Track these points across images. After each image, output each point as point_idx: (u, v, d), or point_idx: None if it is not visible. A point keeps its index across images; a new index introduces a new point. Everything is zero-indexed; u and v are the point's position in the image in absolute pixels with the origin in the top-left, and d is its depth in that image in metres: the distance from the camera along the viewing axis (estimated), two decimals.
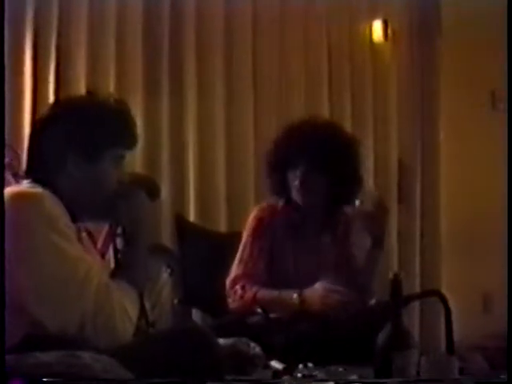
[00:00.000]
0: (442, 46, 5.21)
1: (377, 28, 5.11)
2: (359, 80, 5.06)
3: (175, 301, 3.71)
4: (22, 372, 1.51)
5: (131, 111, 2.23)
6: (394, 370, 2.24)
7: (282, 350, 2.59)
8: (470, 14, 5.12)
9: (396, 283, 2.45)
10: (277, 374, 2.25)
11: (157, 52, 4.58)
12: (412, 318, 4.88)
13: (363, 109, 5.06)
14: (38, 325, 1.83)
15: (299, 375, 2.22)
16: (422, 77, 5.20)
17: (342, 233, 3.20)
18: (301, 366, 2.35)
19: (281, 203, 3.18)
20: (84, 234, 2.18)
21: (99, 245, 2.29)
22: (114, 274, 2.03)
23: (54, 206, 1.97)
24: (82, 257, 1.97)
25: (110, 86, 4.39)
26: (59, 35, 4.34)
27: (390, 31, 5.12)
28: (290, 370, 2.26)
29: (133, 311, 1.99)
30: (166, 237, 4.38)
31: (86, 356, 1.59)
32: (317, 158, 3.04)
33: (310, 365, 2.37)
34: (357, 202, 3.03)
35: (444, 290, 3.97)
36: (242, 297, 3.02)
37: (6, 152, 3.23)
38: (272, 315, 2.90)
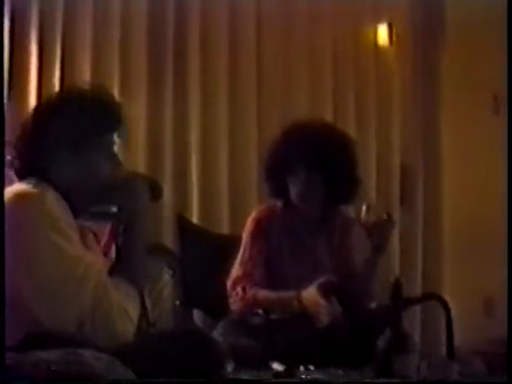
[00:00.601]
0: (445, 49, 5.21)
1: (382, 32, 5.12)
2: (363, 83, 5.07)
3: (176, 301, 3.72)
4: (22, 370, 1.51)
5: (109, 94, 2.25)
6: (394, 373, 2.25)
7: (282, 351, 2.59)
8: (473, 19, 5.13)
9: (397, 287, 2.45)
10: (277, 375, 2.26)
11: (161, 50, 4.58)
12: (413, 321, 4.87)
13: (366, 111, 5.06)
14: (38, 323, 1.84)
15: (300, 377, 2.23)
16: (426, 81, 5.20)
17: (340, 235, 3.20)
18: (301, 367, 2.35)
19: (280, 205, 3.18)
20: (87, 230, 2.18)
21: (102, 244, 2.29)
22: (112, 271, 2.02)
23: (55, 205, 1.97)
24: (82, 256, 1.97)
25: (114, 87, 4.39)
26: (64, 36, 4.35)
27: (394, 35, 5.12)
28: (290, 371, 2.27)
29: (133, 311, 1.99)
30: (168, 238, 4.39)
31: (87, 354, 1.60)
32: (316, 160, 3.05)
33: (310, 367, 2.38)
34: (363, 208, 3.02)
35: (445, 294, 3.98)
36: (242, 298, 3.02)
37: (9, 149, 3.24)
38: (273, 316, 2.90)
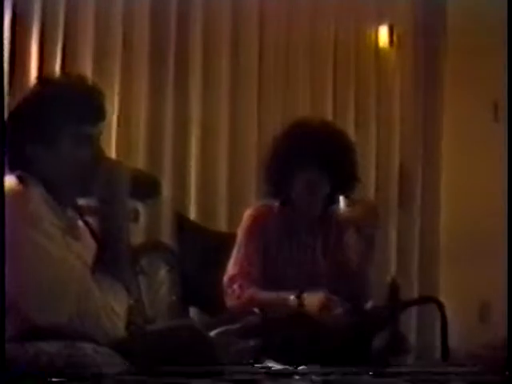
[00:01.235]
0: (446, 52, 5.22)
1: (383, 33, 5.13)
2: (363, 84, 5.08)
3: (173, 298, 3.72)
4: (22, 361, 1.51)
5: (89, 84, 2.20)
6: (390, 374, 2.25)
7: (278, 350, 2.59)
8: (474, 23, 5.13)
9: (394, 288, 2.46)
10: (272, 373, 2.25)
11: (163, 46, 4.59)
12: (408, 323, 4.88)
13: (366, 113, 5.08)
14: (31, 321, 1.84)
15: (295, 376, 2.22)
16: (425, 83, 5.22)
17: (336, 233, 3.20)
18: (297, 367, 2.35)
19: (276, 204, 3.17)
20: (80, 223, 2.16)
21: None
22: (96, 267, 2.01)
23: (38, 203, 1.95)
24: (65, 258, 1.95)
25: (115, 83, 4.40)
26: (65, 36, 4.36)
27: (395, 37, 5.13)
28: (285, 370, 2.27)
29: (120, 307, 1.98)
30: (166, 234, 4.40)
31: (87, 347, 1.60)
32: (320, 158, 3.05)
33: (305, 366, 2.38)
34: (344, 202, 3.03)
35: (441, 298, 3.98)
36: (239, 296, 3.02)
37: None
38: (269, 315, 2.90)
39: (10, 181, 2.00)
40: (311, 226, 3.18)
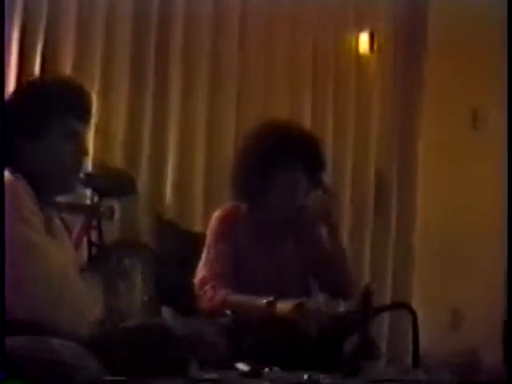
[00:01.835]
0: (426, 60, 5.24)
1: (363, 40, 5.15)
2: (342, 90, 5.09)
3: (145, 297, 3.72)
4: None
5: (76, 84, 2.23)
6: (361, 378, 2.26)
7: (249, 352, 2.59)
8: (456, 30, 5.17)
9: (367, 293, 2.47)
10: (242, 375, 2.26)
11: (143, 44, 4.58)
12: (380, 329, 4.90)
13: (344, 119, 5.09)
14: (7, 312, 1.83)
15: (265, 378, 2.23)
16: (405, 90, 5.24)
17: (306, 230, 3.21)
18: (267, 369, 2.35)
19: (245, 205, 3.17)
20: (58, 221, 2.16)
21: (74, 236, 2.28)
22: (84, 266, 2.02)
23: (18, 192, 1.96)
24: (47, 248, 1.95)
25: (95, 81, 4.38)
26: (46, 34, 4.34)
27: (376, 44, 5.15)
28: (255, 372, 2.27)
29: (95, 307, 1.97)
30: (141, 233, 4.39)
31: (55, 341, 1.59)
32: (298, 160, 3.06)
33: (276, 368, 2.38)
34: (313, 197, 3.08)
35: (414, 304, 3.99)
36: (211, 298, 3.01)
37: None
38: (241, 318, 2.90)
39: None
40: (280, 225, 3.18)
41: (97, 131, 4.30)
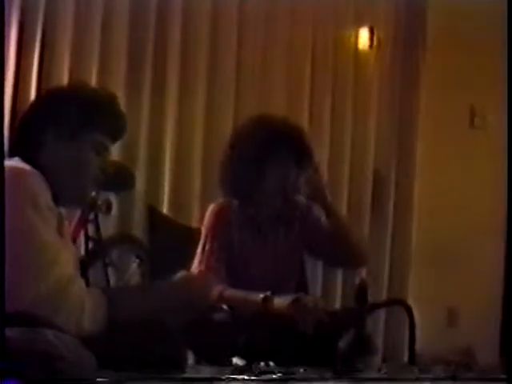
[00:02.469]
0: (425, 57, 5.24)
1: (363, 35, 5.14)
2: (341, 86, 5.08)
3: None
4: None
5: (119, 106, 2.24)
6: (355, 374, 2.26)
7: (244, 347, 2.59)
8: (455, 26, 5.17)
9: (362, 289, 2.46)
10: (237, 370, 2.26)
11: (141, 43, 4.59)
12: (376, 326, 4.90)
13: (343, 115, 5.08)
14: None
15: (260, 373, 2.23)
16: (404, 86, 5.23)
17: (300, 222, 3.20)
18: (262, 364, 2.35)
19: (236, 201, 3.16)
20: (66, 222, 2.16)
21: (71, 229, 2.28)
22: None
23: (37, 183, 1.96)
24: (54, 242, 1.94)
25: (93, 78, 4.38)
26: (44, 32, 4.33)
27: (375, 39, 5.14)
28: (250, 367, 2.27)
29: (96, 310, 1.95)
30: (138, 228, 4.39)
31: (49, 333, 1.58)
32: (294, 154, 3.06)
33: (271, 363, 2.38)
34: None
35: (410, 302, 3.99)
36: None
37: None
38: (237, 313, 2.89)
39: (6, 163, 1.99)
40: (274, 218, 3.17)
41: None
